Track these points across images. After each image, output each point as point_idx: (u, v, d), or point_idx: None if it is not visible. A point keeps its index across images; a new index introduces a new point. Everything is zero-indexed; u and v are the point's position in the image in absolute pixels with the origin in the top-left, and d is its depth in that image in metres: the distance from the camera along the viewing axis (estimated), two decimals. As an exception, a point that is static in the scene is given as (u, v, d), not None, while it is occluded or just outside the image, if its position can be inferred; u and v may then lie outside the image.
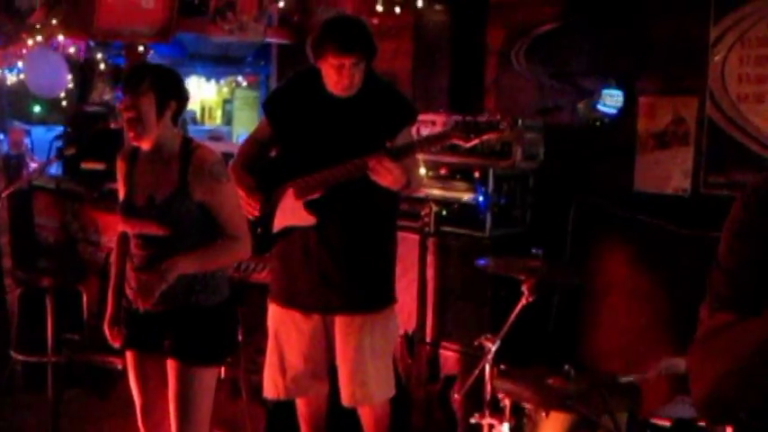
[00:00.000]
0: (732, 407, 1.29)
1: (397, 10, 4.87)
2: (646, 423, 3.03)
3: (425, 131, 4.04)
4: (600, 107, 4.36)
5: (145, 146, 3.06)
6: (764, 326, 1.21)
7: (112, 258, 3.31)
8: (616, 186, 4.31)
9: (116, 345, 3.25)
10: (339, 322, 3.46)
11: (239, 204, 3.26)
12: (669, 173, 4.19)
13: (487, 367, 3.36)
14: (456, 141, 3.34)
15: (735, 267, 1.35)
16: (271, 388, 3.60)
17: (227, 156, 3.76)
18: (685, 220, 4.05)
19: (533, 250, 3.51)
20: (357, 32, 3.32)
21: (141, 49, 6.04)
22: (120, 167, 3.17)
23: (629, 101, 4.25)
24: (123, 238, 3.23)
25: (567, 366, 3.24)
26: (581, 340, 4.29)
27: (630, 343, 4.10)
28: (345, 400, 3.49)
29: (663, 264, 4.13)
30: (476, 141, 3.29)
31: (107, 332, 3.25)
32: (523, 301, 3.40)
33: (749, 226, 1.36)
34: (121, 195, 3.16)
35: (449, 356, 4.17)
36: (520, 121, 4.06)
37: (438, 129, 4.01)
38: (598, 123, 4.35)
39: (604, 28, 4.31)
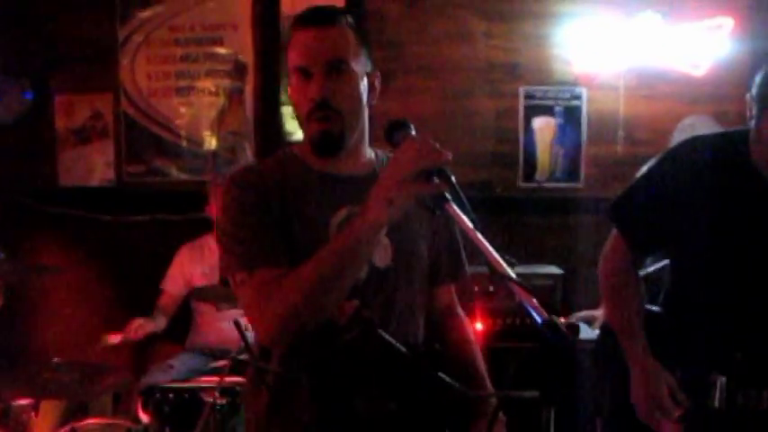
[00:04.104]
0: (301, 326, 1.65)
1: None
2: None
3: None
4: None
5: None
6: (311, 267, 1.62)
7: None
8: (41, 183, 4.40)
9: None
10: None
11: None
12: (93, 166, 4.44)
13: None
14: None
15: (250, 235, 1.70)
16: None
17: None
18: (112, 208, 4.36)
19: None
20: None
21: None
22: None
23: (46, 99, 4.37)
24: None
25: (55, 360, 3.29)
26: (36, 336, 4.31)
27: (79, 328, 4.24)
28: None
29: (97, 251, 4.36)
30: None
31: None
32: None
33: (246, 203, 1.71)
34: None
35: None
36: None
37: None
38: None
39: (14, 27, 4.33)
